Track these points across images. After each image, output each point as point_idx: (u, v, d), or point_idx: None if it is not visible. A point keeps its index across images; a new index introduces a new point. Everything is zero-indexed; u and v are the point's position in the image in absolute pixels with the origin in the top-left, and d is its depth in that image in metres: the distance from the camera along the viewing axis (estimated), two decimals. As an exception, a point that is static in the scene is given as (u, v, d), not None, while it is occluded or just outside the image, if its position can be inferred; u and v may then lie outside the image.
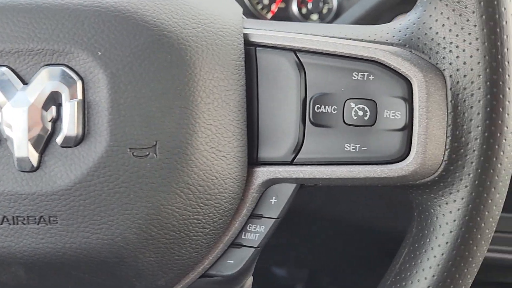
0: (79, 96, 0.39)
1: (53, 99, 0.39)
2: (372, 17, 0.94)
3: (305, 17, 1.07)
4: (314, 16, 1.07)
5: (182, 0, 0.42)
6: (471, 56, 0.40)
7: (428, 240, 0.43)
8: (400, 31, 0.43)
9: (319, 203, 0.92)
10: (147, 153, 0.39)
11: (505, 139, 0.40)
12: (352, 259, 1.09)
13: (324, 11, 1.07)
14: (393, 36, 0.43)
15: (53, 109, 0.39)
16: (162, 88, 0.39)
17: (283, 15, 1.06)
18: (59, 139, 0.39)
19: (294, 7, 1.06)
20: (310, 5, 1.07)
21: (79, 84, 0.39)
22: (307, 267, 1.11)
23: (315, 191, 0.86)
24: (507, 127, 0.40)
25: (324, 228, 1.03)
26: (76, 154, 0.39)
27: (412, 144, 0.41)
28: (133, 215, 0.39)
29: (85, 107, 0.39)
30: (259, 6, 1.05)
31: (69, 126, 0.39)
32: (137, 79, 0.39)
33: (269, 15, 1.05)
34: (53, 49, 0.39)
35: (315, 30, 0.45)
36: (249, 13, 1.03)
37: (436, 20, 0.41)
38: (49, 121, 0.39)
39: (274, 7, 1.06)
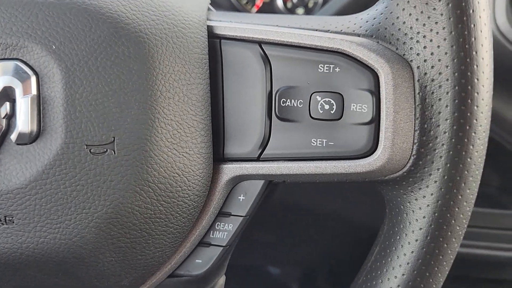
0: (34, 91, 0.38)
1: (7, 95, 0.38)
2: (358, 7, 0.92)
3: (291, 11, 1.06)
4: (300, 10, 1.06)
5: None
6: (438, 46, 0.38)
7: (398, 237, 0.42)
8: (367, 22, 0.42)
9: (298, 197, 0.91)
10: (105, 149, 0.38)
11: (475, 132, 0.39)
12: (340, 256, 1.08)
13: (310, 4, 1.05)
14: (360, 27, 0.42)
15: (7, 105, 0.38)
16: (119, 83, 0.38)
17: (268, 9, 1.04)
18: (13, 136, 0.38)
19: (279, 1, 1.04)
20: (295, -1, 1.05)
21: (33, 79, 0.38)
22: (300, 265, 1.10)
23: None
24: (476, 120, 0.38)
25: (308, 225, 1.02)
26: (31, 151, 0.38)
27: (380, 138, 0.40)
28: (91, 214, 0.38)
29: (40, 103, 0.38)
30: (244, 1, 1.03)
31: (23, 122, 0.38)
32: (93, 74, 0.38)
33: (254, 10, 1.04)
34: (6, 43, 0.38)
35: (282, 22, 0.44)
36: (233, 7, 1.01)
37: (403, 9, 0.40)
38: (3, 118, 0.38)
39: (259, 1, 1.04)
